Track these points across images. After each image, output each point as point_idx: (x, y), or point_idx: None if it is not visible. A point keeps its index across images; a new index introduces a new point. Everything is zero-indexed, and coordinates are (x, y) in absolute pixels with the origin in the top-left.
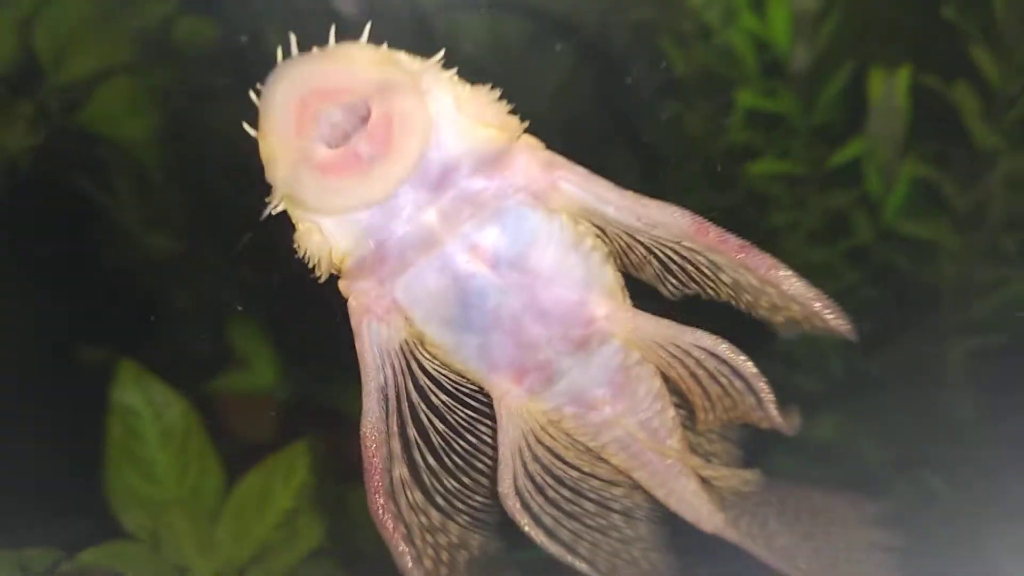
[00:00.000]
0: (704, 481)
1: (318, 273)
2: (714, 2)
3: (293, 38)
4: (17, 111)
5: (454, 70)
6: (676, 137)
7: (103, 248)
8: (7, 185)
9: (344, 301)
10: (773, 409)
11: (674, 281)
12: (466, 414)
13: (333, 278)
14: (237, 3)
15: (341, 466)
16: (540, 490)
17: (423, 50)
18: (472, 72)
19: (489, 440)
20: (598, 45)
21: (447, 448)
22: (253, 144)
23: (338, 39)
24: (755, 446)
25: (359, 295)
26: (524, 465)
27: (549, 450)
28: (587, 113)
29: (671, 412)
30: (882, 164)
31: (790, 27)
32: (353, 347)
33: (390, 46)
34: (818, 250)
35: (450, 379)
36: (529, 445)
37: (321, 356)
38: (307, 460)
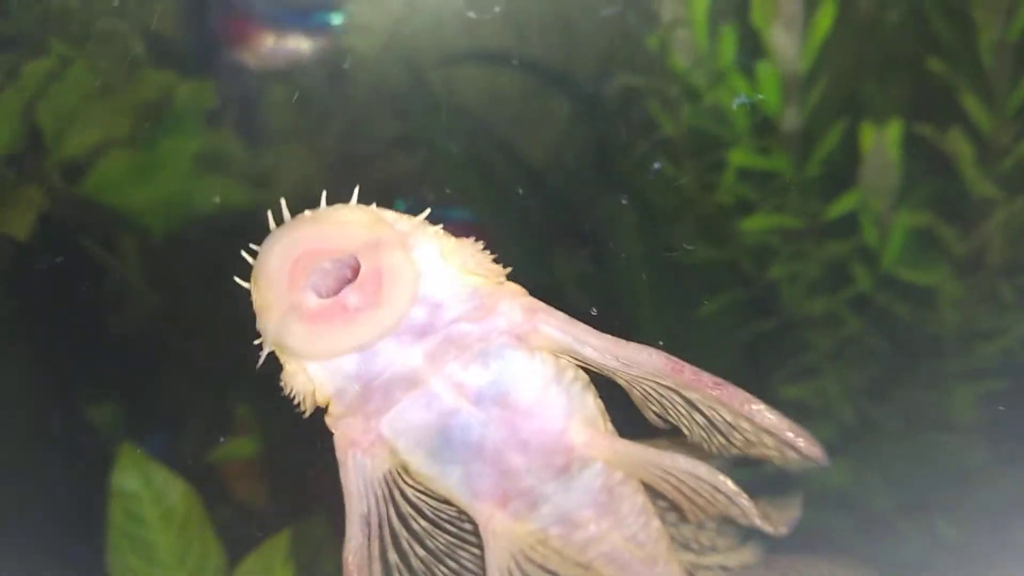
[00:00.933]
0: None
1: (302, 408)
2: (699, 65)
3: (284, 203)
4: (22, 191)
5: (439, 226)
6: (671, 194)
7: (109, 311)
8: (11, 256)
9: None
10: (758, 521)
11: (656, 409)
12: (446, 539)
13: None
14: (233, 63)
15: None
16: None
17: (423, 104)
18: (471, 124)
19: (470, 565)
20: (593, 101)
21: (428, 573)
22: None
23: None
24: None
25: (344, 430)
26: None
27: (538, 566)
28: (585, 167)
29: (656, 523)
30: (877, 215)
31: (779, 89)
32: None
33: (391, 102)
34: (819, 300)
35: (431, 505)
36: (518, 564)
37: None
38: (309, 541)
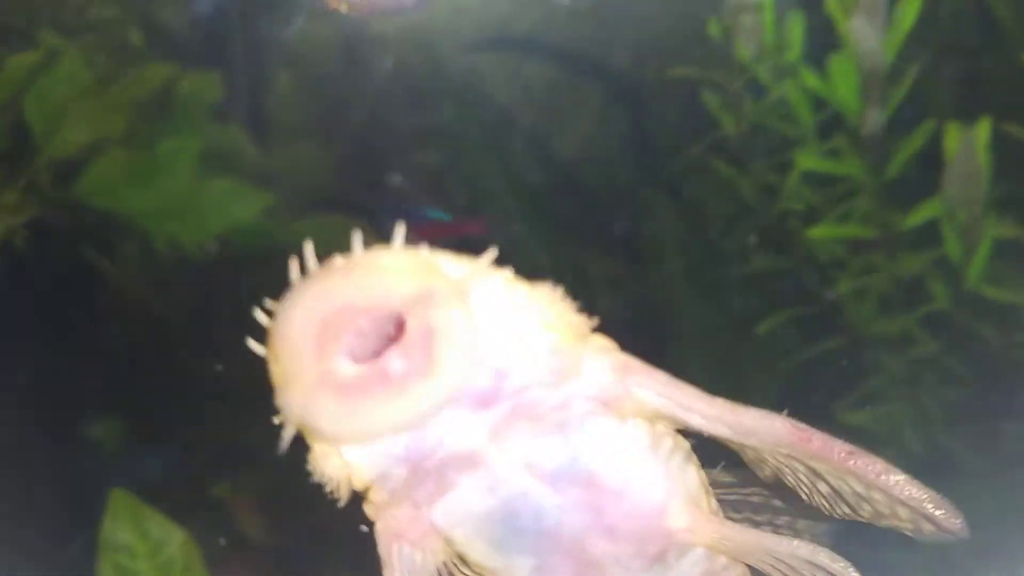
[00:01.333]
0: None
1: (336, 497)
2: (765, 57)
3: (310, 247)
4: (10, 194)
5: (508, 270)
6: (727, 198)
7: (108, 319)
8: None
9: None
10: None
11: (770, 472)
12: None
13: None
14: (240, 53)
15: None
16: None
17: (445, 95)
18: (497, 116)
19: None
20: (631, 91)
21: None
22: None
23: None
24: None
25: (390, 520)
26: None
27: None
28: (622, 163)
29: None
30: (962, 225)
31: (857, 87)
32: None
33: (409, 92)
34: (891, 318)
35: None
36: None
37: None
38: None
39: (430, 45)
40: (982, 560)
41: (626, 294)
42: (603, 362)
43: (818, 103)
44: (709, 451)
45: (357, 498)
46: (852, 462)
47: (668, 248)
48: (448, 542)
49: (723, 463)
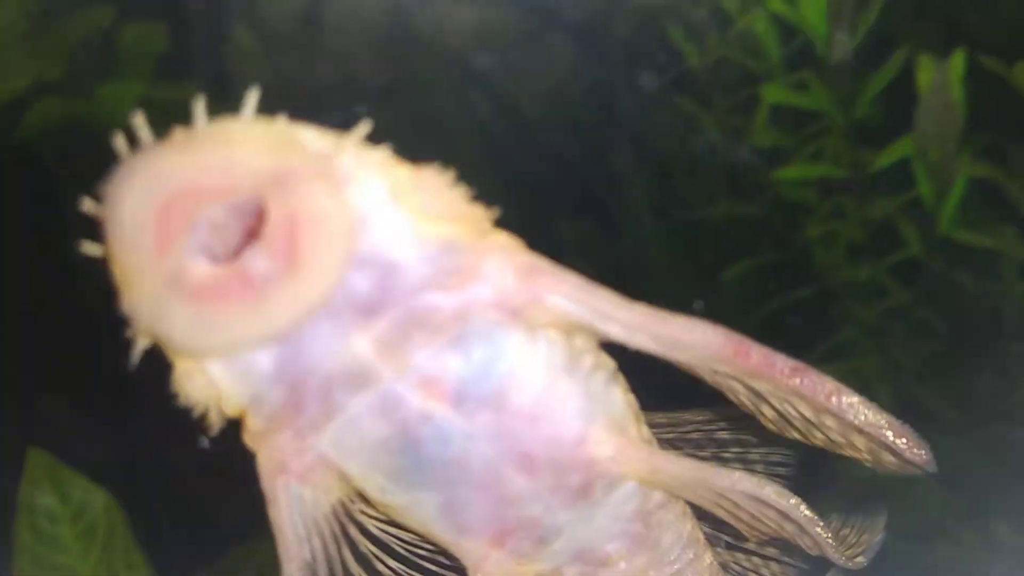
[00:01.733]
0: None
1: (207, 425)
2: None
3: (140, 117)
4: None
5: (384, 147)
6: (692, 139)
7: (57, 281)
8: None
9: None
10: (834, 554)
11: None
12: None
13: None
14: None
15: None
16: None
17: (406, 50)
18: (461, 70)
19: None
20: (597, 37)
21: None
22: None
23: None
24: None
25: (270, 452)
26: None
27: None
28: (588, 115)
29: (708, 557)
30: (934, 164)
31: (826, 11)
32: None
33: (369, 48)
34: (861, 266)
35: (402, 539)
36: None
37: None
38: (258, 562)
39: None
40: (957, 516)
41: (597, 254)
42: (505, 263)
43: (785, 33)
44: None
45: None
46: (797, 380)
47: (635, 201)
48: (343, 477)
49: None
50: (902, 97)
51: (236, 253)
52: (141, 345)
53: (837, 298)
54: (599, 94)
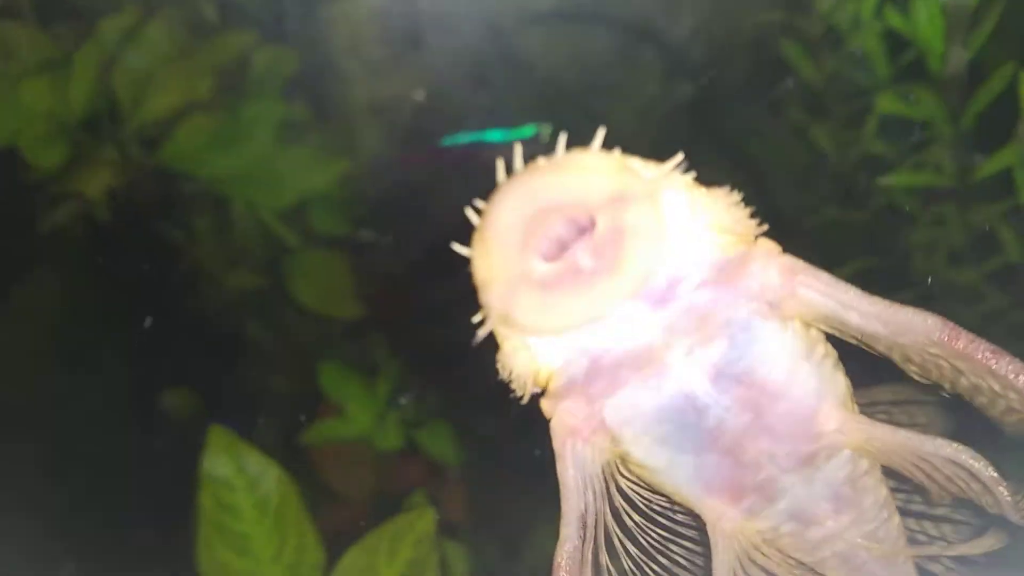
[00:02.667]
0: None
1: (519, 392)
2: (843, 4)
3: (519, 148)
4: (100, 157)
5: (692, 174)
6: (794, 151)
7: (185, 290)
8: (88, 231)
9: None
10: (1011, 510)
11: (914, 370)
12: (658, 534)
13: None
14: (314, 30)
15: (445, 525)
16: None
17: (500, 71)
18: (553, 91)
19: (682, 560)
20: (691, 54)
21: (639, 572)
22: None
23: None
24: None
25: (565, 415)
26: None
27: (763, 569)
28: (683, 130)
29: (897, 518)
30: None
31: (942, 25)
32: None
33: (470, 69)
34: (960, 271)
35: (644, 497)
36: (743, 567)
37: (422, 400)
38: (415, 533)
39: (493, 20)
40: None
41: None
42: (772, 264)
43: (897, 47)
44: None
45: None
46: (995, 362)
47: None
48: (615, 441)
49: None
50: (1006, 110)
51: (558, 253)
52: (489, 327)
53: (937, 303)
54: (711, 109)
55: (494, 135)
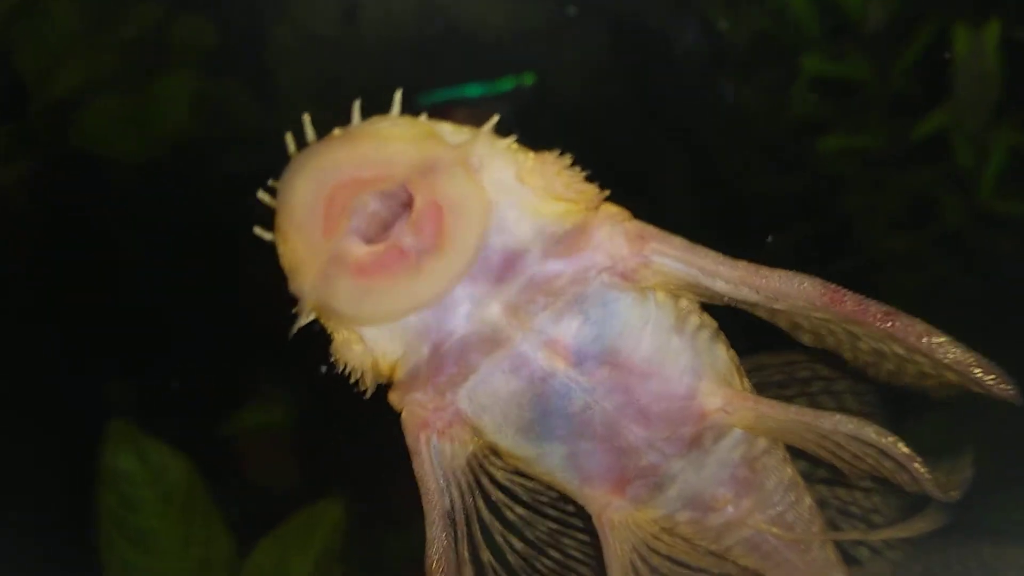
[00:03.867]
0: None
1: (361, 387)
2: None
3: (307, 118)
4: (1, 139)
5: (511, 138)
6: (730, 115)
7: (107, 278)
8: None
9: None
10: (932, 487)
11: (809, 338)
12: (548, 527)
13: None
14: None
15: (374, 514)
16: None
17: (441, 40)
18: (493, 61)
19: (575, 553)
20: (629, 18)
21: (529, 569)
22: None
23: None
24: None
25: (414, 407)
26: None
27: (665, 558)
28: (624, 96)
29: (808, 500)
30: (972, 134)
31: None
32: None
33: (406, 40)
34: (901, 237)
35: (527, 487)
36: (642, 557)
37: (344, 387)
38: (327, 523)
39: None
40: (1003, 483)
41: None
42: (617, 231)
43: (824, 6)
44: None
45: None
46: (890, 324)
47: (673, 176)
48: (477, 432)
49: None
50: (939, 69)
51: (383, 234)
52: (303, 321)
53: (877, 270)
54: (636, 73)
55: (472, 89)
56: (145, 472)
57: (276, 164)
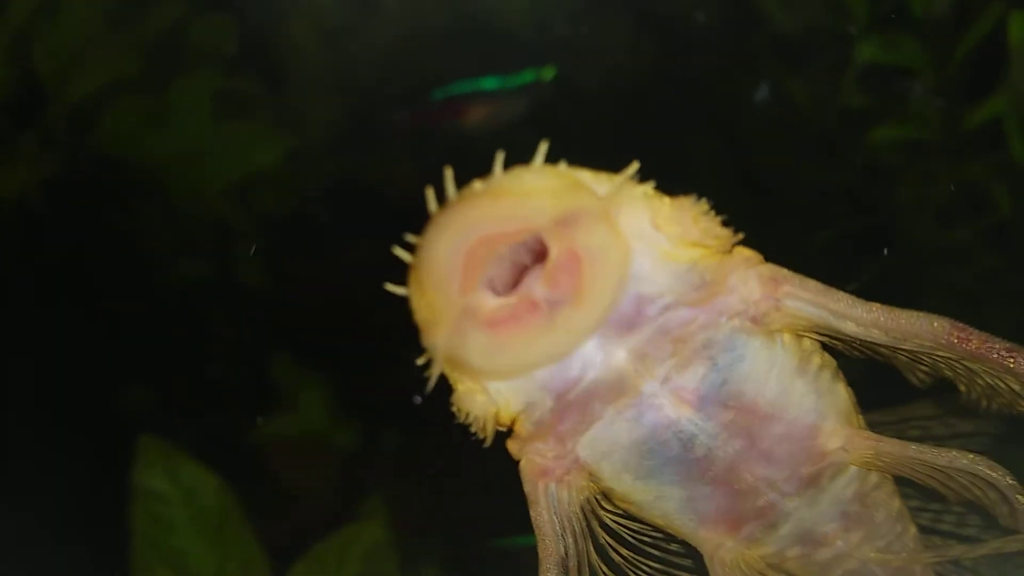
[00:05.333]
0: None
1: (480, 435)
2: None
3: (449, 173)
4: (20, 142)
5: (650, 183)
6: (774, 107)
7: (130, 279)
8: (20, 222)
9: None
10: None
11: (924, 373)
12: (650, 567)
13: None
14: None
15: (411, 525)
16: None
17: (459, 33)
18: (515, 56)
19: None
20: (661, 9)
21: None
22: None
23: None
24: None
25: (534, 456)
26: None
27: None
28: (655, 90)
29: (913, 529)
30: None
31: None
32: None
33: (424, 33)
34: (950, 230)
35: (631, 530)
36: None
37: (380, 395)
38: (365, 543)
39: None
40: None
41: None
42: (751, 275)
43: None
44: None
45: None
46: (1011, 359)
47: (720, 166)
48: (593, 478)
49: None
50: (993, 57)
51: (512, 282)
52: (436, 373)
53: (927, 264)
54: (683, 64)
55: (490, 82)
56: (177, 491)
57: (297, 160)
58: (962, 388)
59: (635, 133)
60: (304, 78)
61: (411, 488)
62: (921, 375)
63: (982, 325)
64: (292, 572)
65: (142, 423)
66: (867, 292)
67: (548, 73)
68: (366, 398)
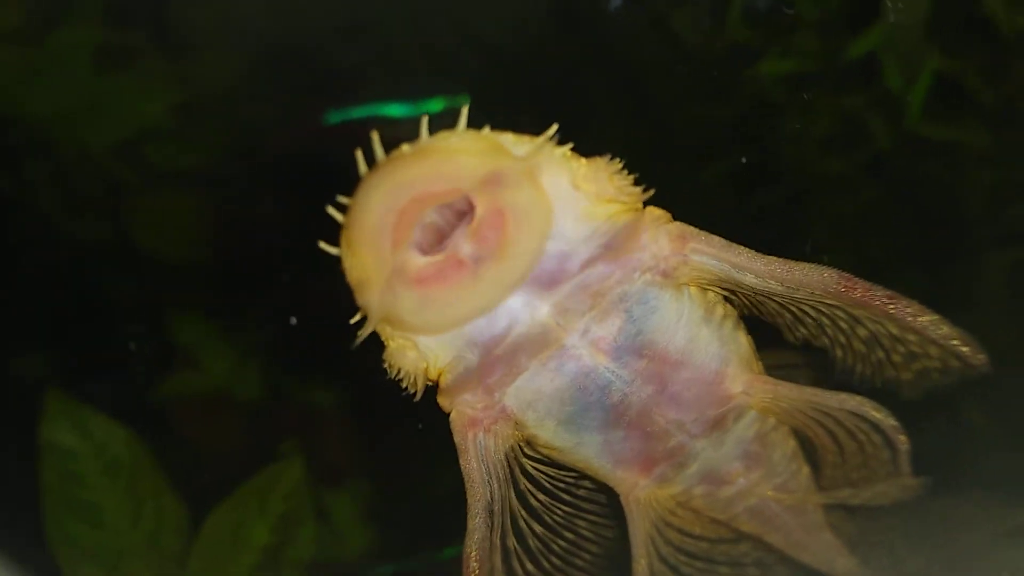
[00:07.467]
0: (834, 528)
1: (411, 390)
2: None
3: (376, 135)
4: None
5: (568, 145)
6: (660, 44)
7: (20, 242)
8: None
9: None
10: (906, 463)
11: (804, 332)
12: (563, 511)
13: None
14: None
15: (322, 472)
16: (674, 569)
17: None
18: (407, 19)
19: (587, 534)
20: None
21: (545, 551)
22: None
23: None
24: None
25: (463, 407)
26: (657, 551)
27: (679, 530)
28: (547, 35)
29: (807, 469)
30: (903, 55)
31: None
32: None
33: None
34: (831, 161)
35: (548, 475)
36: (659, 531)
37: (283, 346)
38: (285, 485)
39: None
40: (928, 402)
41: None
42: (661, 232)
43: None
44: None
45: None
46: (891, 305)
47: (600, 105)
48: (519, 426)
49: None
50: None
51: (437, 242)
52: (369, 330)
53: (811, 195)
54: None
55: (395, 109)
56: (86, 445)
57: (186, 115)
58: (838, 353)
59: (537, 87)
60: (192, 31)
61: (323, 437)
62: (799, 336)
63: (864, 253)
64: (212, 517)
65: (43, 386)
66: (762, 225)
67: (462, 102)
68: (269, 352)
